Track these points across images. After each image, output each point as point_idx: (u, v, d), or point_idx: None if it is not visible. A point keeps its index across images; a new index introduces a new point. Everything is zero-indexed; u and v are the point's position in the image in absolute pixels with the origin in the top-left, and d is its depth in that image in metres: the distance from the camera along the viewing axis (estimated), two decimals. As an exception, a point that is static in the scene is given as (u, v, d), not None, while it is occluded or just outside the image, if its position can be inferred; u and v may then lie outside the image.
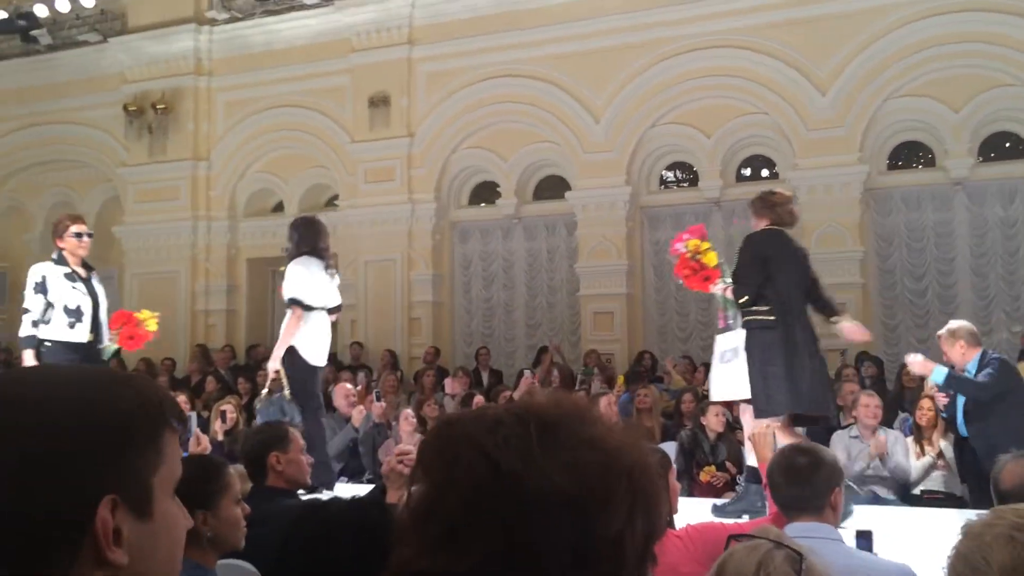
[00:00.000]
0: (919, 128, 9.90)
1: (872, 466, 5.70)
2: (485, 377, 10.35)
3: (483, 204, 11.91)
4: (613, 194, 10.52)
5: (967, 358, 5.28)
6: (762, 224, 4.97)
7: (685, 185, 11.24)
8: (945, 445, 5.90)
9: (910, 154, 10.46)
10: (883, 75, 9.56)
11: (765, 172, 10.77)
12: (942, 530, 4.26)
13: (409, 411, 7.17)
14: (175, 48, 12.43)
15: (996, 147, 9.97)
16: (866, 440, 5.82)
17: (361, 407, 7.02)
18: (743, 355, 4.64)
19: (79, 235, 5.79)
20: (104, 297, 5.93)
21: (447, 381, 8.96)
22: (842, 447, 5.76)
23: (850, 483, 5.32)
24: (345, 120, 11.75)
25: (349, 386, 7.57)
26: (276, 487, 2.87)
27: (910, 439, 5.98)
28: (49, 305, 5.63)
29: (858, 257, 9.62)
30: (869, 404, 5.87)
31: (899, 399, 7.47)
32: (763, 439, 3.09)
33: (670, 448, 6.56)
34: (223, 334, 12.08)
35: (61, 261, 5.76)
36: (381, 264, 11.47)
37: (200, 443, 3.93)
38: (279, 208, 12.55)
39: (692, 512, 4.61)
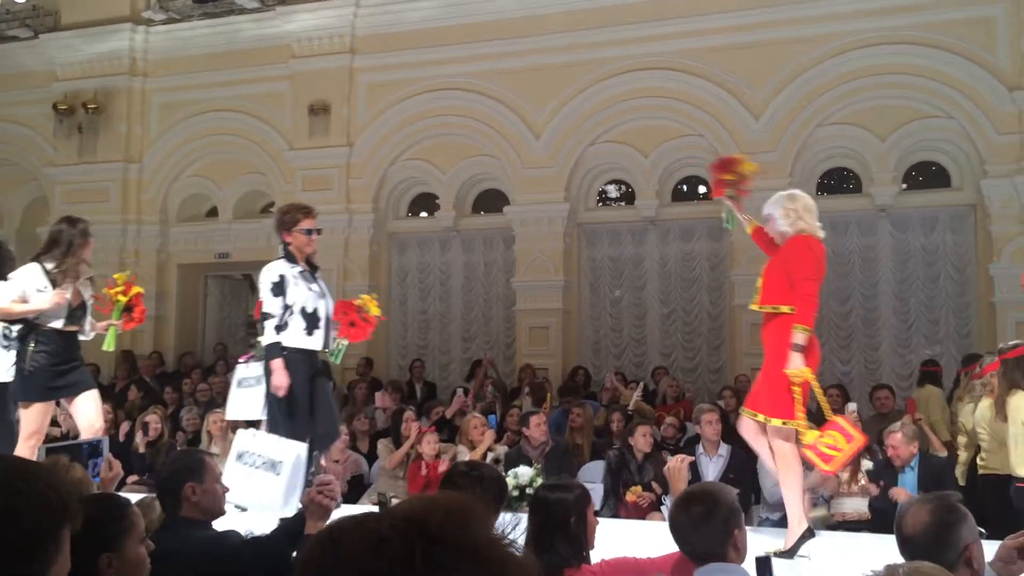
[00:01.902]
0: (847, 155, 10.19)
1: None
2: (419, 390, 10.33)
3: (423, 215, 11.89)
4: (551, 210, 10.60)
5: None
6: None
7: (622, 204, 11.39)
8: (868, 467, 6.05)
9: (837, 180, 10.77)
10: (815, 103, 9.82)
11: (703, 189, 10.97)
12: (856, 554, 4.39)
13: (341, 427, 7.10)
14: (109, 47, 12.15)
15: (919, 176, 10.33)
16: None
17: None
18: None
19: (310, 232, 5.16)
20: (331, 299, 5.38)
21: (377, 395, 8.90)
22: (767, 472, 5.87)
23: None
24: (284, 127, 11.62)
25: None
26: (191, 518, 2.82)
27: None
28: (286, 308, 5.03)
29: (787, 279, 9.85)
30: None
31: (822, 421, 7.64)
32: (678, 472, 3.15)
33: (597, 467, 6.63)
34: (151, 341, 11.82)
35: (291, 258, 5.12)
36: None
37: (112, 468, 3.82)
38: (213, 213, 12.34)
39: (617, 537, 4.68)
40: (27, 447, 5.02)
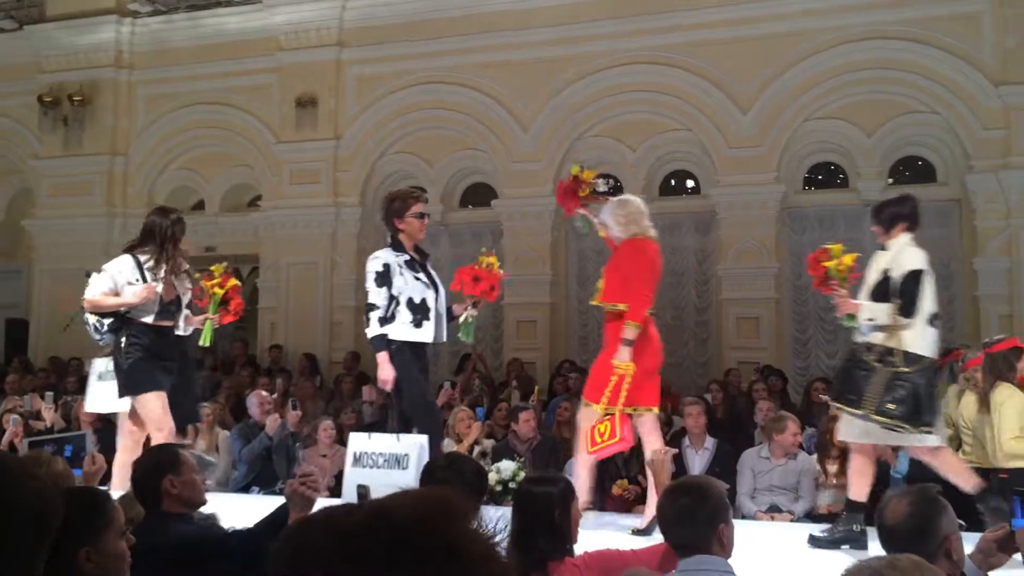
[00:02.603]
0: (834, 150, 10.23)
1: (776, 484, 5.86)
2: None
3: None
4: (539, 204, 10.60)
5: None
6: None
7: (610, 197, 11.36)
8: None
9: (825, 174, 10.81)
10: (802, 98, 9.85)
11: (691, 184, 10.99)
12: (839, 548, 4.42)
13: (329, 422, 7.11)
14: (95, 39, 12.06)
15: (905, 171, 10.38)
16: (776, 459, 5.97)
17: (276, 415, 6.93)
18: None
19: (422, 216, 4.90)
20: (443, 288, 5.09)
21: (364, 388, 8.88)
22: (749, 466, 5.91)
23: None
24: (271, 120, 11.57)
25: (264, 393, 7.46)
26: (172, 511, 2.82)
27: (814, 457, 6.15)
28: (392, 299, 4.79)
29: (773, 273, 9.90)
30: (796, 432, 5.99)
31: (807, 414, 7.69)
32: (661, 465, 3.16)
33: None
34: (137, 335, 11.75)
35: (398, 246, 4.88)
36: (303, 267, 11.33)
37: (95, 462, 3.80)
38: (199, 206, 12.29)
39: (603, 531, 4.69)
40: (161, 439, 4.85)
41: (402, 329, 4.83)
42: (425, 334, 4.88)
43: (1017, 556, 2.76)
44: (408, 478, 4.61)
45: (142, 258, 5.12)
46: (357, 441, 5.00)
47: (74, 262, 11.76)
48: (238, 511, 5.44)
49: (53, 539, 0.95)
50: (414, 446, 4.75)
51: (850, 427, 4.66)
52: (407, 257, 4.90)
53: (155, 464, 2.92)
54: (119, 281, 5.08)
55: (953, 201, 9.77)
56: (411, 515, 0.86)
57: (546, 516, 2.82)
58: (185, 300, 5.29)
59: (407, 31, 11.02)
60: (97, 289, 5.09)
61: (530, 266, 10.63)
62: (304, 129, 11.31)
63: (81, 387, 9.80)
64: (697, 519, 2.50)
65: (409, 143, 11.26)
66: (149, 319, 5.07)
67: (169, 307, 5.15)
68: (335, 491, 5.98)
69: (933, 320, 4.60)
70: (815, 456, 6.12)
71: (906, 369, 4.45)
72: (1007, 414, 5.10)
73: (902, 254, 4.66)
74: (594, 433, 4.85)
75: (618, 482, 6.15)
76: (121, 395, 5.10)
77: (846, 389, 4.62)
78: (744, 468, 6.00)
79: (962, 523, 2.66)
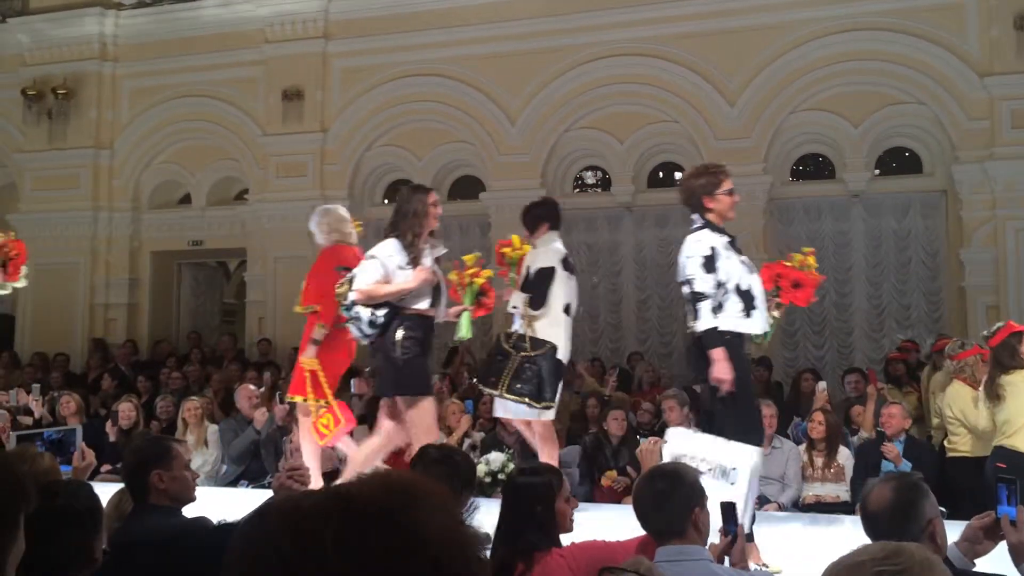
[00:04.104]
0: (821, 141, 10.25)
1: (763, 474, 5.88)
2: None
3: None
4: (527, 196, 10.43)
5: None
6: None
7: (598, 190, 11.40)
8: (844, 454, 6.10)
9: (812, 166, 10.84)
10: (788, 89, 9.87)
11: (679, 176, 10.99)
12: (824, 536, 4.45)
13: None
14: (79, 31, 11.97)
15: (892, 162, 10.42)
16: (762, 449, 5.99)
17: (263, 409, 6.92)
18: None
19: (731, 192, 4.40)
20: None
21: (353, 381, 8.85)
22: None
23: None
24: (257, 112, 11.51)
25: (252, 387, 7.44)
26: (159, 505, 2.81)
27: (802, 447, 6.18)
28: (719, 286, 4.27)
29: (760, 264, 9.90)
30: (766, 414, 6.04)
31: (795, 404, 7.73)
32: (650, 455, 3.18)
33: (573, 452, 6.66)
34: (124, 329, 11.71)
35: (713, 227, 4.37)
36: (292, 260, 11.24)
37: (85, 458, 3.78)
38: (186, 200, 12.23)
39: (592, 522, 4.70)
40: (391, 443, 4.68)
41: (732, 319, 4.28)
42: (754, 324, 4.35)
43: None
44: (736, 496, 3.85)
45: (405, 240, 4.71)
46: (678, 438, 4.29)
47: (60, 256, 11.72)
48: (226, 505, 5.44)
49: (13, 529, 0.93)
50: (746, 459, 4.09)
51: (496, 406, 5.27)
52: (727, 238, 4.39)
53: (144, 457, 2.90)
54: (390, 266, 4.67)
55: (939, 192, 9.82)
56: (370, 498, 0.85)
57: (532, 507, 2.83)
58: (445, 287, 4.91)
59: (393, 23, 10.97)
60: (369, 277, 4.66)
61: (518, 258, 10.61)
62: (290, 122, 11.26)
63: (67, 382, 9.79)
64: (673, 503, 2.52)
65: (396, 136, 11.23)
66: (424, 305, 4.69)
67: (438, 293, 4.80)
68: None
69: (567, 310, 5.12)
70: (803, 446, 6.15)
71: (533, 353, 4.96)
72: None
73: (540, 253, 5.14)
74: (319, 427, 5.19)
75: (607, 473, 6.17)
76: (393, 393, 4.78)
77: (489, 373, 5.13)
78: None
79: (943, 509, 2.67)
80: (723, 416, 4.31)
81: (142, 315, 12.04)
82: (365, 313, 4.66)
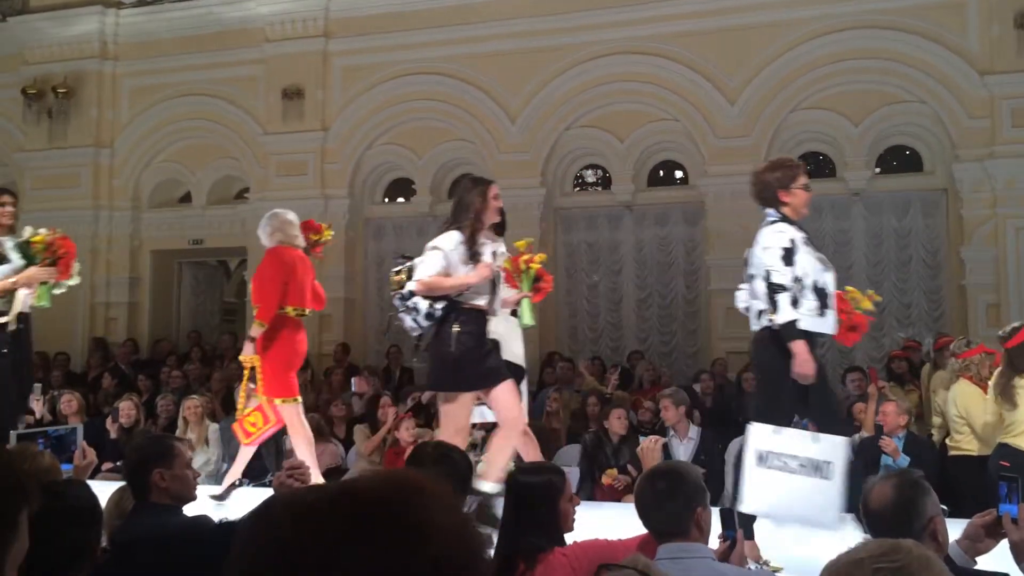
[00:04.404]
0: (821, 139, 10.25)
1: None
2: (396, 375, 10.30)
3: (399, 200, 11.84)
4: (528, 195, 10.58)
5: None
6: None
7: (598, 188, 11.40)
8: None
9: (813, 164, 10.82)
10: (789, 87, 9.86)
11: (679, 174, 11.00)
12: (825, 534, 4.44)
13: (314, 416, 7.08)
14: (79, 30, 11.96)
15: (893, 160, 10.42)
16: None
17: (265, 408, 6.90)
18: None
19: (807, 187, 4.35)
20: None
21: (354, 380, 8.88)
22: (735, 453, 5.92)
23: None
24: (257, 111, 11.51)
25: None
26: (160, 503, 2.81)
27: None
28: (796, 281, 4.11)
29: (762, 263, 9.90)
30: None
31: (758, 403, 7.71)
32: (651, 453, 3.18)
33: (573, 451, 6.67)
34: (124, 328, 11.71)
35: (792, 222, 4.25)
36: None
37: (87, 456, 3.77)
38: (186, 199, 12.22)
39: (593, 520, 4.69)
40: (459, 442, 4.43)
41: (807, 317, 4.12)
42: (828, 324, 4.20)
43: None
44: (832, 490, 3.84)
45: (465, 234, 4.62)
46: (761, 436, 4.10)
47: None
48: (228, 504, 5.44)
49: (12, 528, 0.93)
50: (837, 451, 3.96)
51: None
52: (804, 234, 4.26)
53: (146, 455, 2.90)
54: (452, 259, 4.56)
55: (940, 190, 9.82)
56: (375, 492, 0.85)
57: (535, 506, 2.82)
58: (500, 280, 4.80)
59: (393, 22, 10.97)
60: (431, 269, 4.55)
61: (519, 257, 10.61)
62: (291, 120, 11.25)
63: (67, 381, 9.78)
64: (675, 502, 2.52)
65: (396, 134, 11.22)
66: (482, 301, 4.60)
67: (494, 288, 4.70)
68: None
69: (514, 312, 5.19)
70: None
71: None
72: None
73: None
74: (245, 425, 5.41)
75: (608, 471, 6.17)
76: (443, 388, 4.69)
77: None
78: (731, 457, 6.02)
79: (944, 507, 2.67)
80: (806, 410, 4.19)
81: (142, 314, 12.04)
82: (423, 305, 4.55)
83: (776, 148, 10.06)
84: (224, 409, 8.17)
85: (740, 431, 6.75)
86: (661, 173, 11.11)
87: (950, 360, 6.34)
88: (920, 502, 2.49)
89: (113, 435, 7.22)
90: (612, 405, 6.77)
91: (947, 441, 6.14)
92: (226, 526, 2.68)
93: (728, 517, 2.88)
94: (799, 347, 4.02)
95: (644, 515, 2.62)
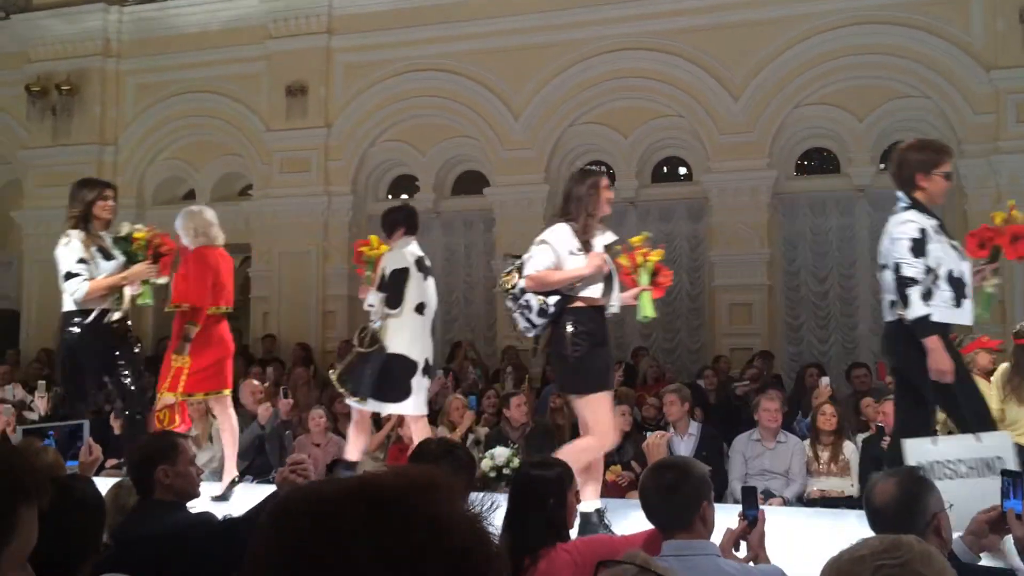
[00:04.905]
0: (825, 135, 10.23)
1: (768, 468, 5.89)
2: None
3: (403, 197, 11.83)
4: (530, 191, 10.58)
5: None
6: None
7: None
8: (849, 448, 6.08)
9: (817, 160, 10.81)
10: (793, 83, 9.84)
11: (683, 170, 10.98)
12: (828, 531, 4.44)
13: (320, 411, 7.10)
14: (83, 28, 11.97)
15: (897, 156, 10.37)
16: (766, 443, 6.00)
17: (268, 404, 6.92)
18: None
19: (948, 176, 4.22)
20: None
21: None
22: (740, 451, 5.93)
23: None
24: (261, 108, 11.51)
25: (256, 382, 7.45)
26: (164, 500, 2.81)
27: (806, 442, 6.17)
28: (928, 272, 3.98)
29: (765, 259, 9.90)
30: (770, 408, 6.05)
31: (798, 400, 7.71)
32: (656, 448, 3.17)
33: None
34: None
35: (921, 208, 4.09)
36: (296, 256, 11.29)
37: (92, 453, 3.78)
38: (190, 196, 12.22)
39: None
40: (596, 449, 4.35)
41: (941, 309, 3.97)
42: (963, 315, 4.05)
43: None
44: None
45: (576, 225, 4.45)
46: (919, 450, 3.95)
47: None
48: (231, 500, 5.45)
49: (9, 523, 0.93)
50: (1005, 444, 3.87)
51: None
52: (936, 221, 4.08)
53: (150, 452, 2.91)
54: (561, 252, 4.38)
55: (944, 186, 9.78)
56: (396, 487, 0.86)
57: (541, 501, 2.82)
58: (615, 275, 4.61)
59: (396, 18, 10.96)
60: (540, 263, 4.36)
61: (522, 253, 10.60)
62: (294, 117, 11.25)
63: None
64: (681, 494, 2.52)
65: (400, 131, 11.22)
66: (596, 293, 4.41)
67: (609, 282, 4.51)
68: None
69: (420, 310, 5.38)
70: (807, 441, 6.14)
71: (365, 350, 5.33)
72: None
73: (395, 255, 5.41)
74: (156, 420, 5.44)
75: (611, 468, 6.16)
76: (573, 391, 4.48)
77: (338, 363, 5.74)
78: (735, 453, 6.02)
79: (948, 503, 2.66)
80: (950, 407, 4.06)
81: (146, 311, 12.03)
82: (535, 301, 4.38)
83: (780, 144, 10.06)
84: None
85: (745, 427, 6.77)
86: (665, 169, 11.10)
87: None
88: (924, 498, 2.48)
89: (117, 431, 7.22)
90: (616, 402, 6.74)
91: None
92: (229, 523, 2.68)
93: (750, 496, 2.88)
94: (933, 343, 3.89)
95: (648, 507, 2.62)
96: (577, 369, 4.34)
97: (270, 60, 11.41)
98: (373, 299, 5.41)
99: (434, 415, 7.53)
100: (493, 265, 10.80)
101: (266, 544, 0.85)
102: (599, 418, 4.35)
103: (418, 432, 5.44)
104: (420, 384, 5.39)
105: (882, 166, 10.10)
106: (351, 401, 5.51)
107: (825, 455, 5.97)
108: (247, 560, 0.86)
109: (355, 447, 5.63)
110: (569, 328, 4.32)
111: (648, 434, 4.32)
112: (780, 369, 9.46)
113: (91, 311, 5.20)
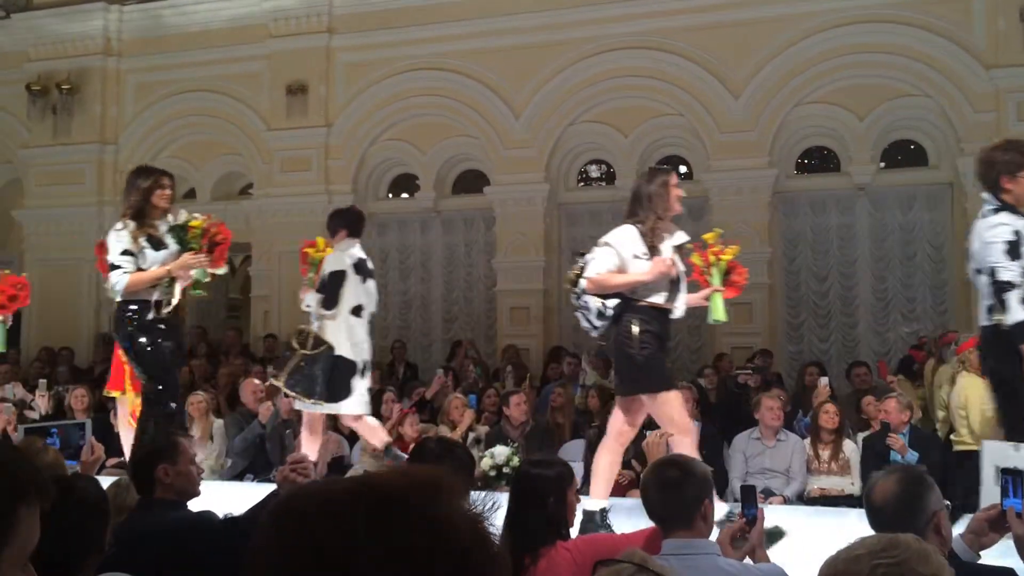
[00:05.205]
0: (826, 134, 10.22)
1: (768, 467, 5.89)
2: (400, 371, 10.32)
3: (403, 196, 11.85)
4: (531, 190, 10.58)
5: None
6: None
7: (603, 184, 11.38)
8: (850, 447, 6.09)
9: (817, 159, 10.81)
10: (793, 82, 9.83)
11: (684, 169, 10.97)
12: (828, 529, 4.44)
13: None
14: (83, 27, 11.97)
15: (897, 154, 10.39)
16: (767, 441, 6.00)
17: (268, 403, 6.93)
18: None
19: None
20: None
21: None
22: (740, 449, 5.93)
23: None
24: (261, 107, 11.51)
25: (257, 381, 7.45)
26: (165, 499, 2.81)
27: (806, 441, 6.17)
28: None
29: (765, 258, 9.89)
30: (772, 406, 6.05)
31: (799, 399, 7.71)
32: (656, 447, 3.17)
33: (578, 446, 6.66)
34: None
35: (1014, 211, 3.97)
36: (296, 255, 11.19)
37: (95, 452, 3.78)
38: (190, 195, 12.23)
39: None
40: (687, 445, 4.14)
41: None
42: None
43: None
44: None
45: (642, 227, 4.35)
46: (999, 453, 3.87)
47: (65, 252, 11.74)
48: (232, 499, 5.46)
49: (8, 523, 0.93)
50: None
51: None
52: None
53: (151, 451, 2.91)
54: (624, 255, 4.31)
55: (945, 184, 9.79)
56: (397, 487, 0.86)
57: (541, 500, 2.82)
58: (683, 279, 4.48)
59: (397, 17, 10.96)
60: (602, 265, 4.32)
61: (522, 252, 10.62)
62: (294, 116, 11.25)
63: (73, 377, 9.81)
64: (683, 491, 2.52)
65: (400, 130, 11.22)
66: (660, 299, 4.30)
67: (676, 286, 4.40)
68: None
69: (357, 312, 5.45)
70: (807, 439, 6.14)
71: (311, 352, 5.36)
72: None
73: (335, 257, 5.50)
74: (134, 419, 5.30)
75: (611, 467, 6.15)
76: (635, 392, 4.41)
77: (278, 367, 5.78)
78: (736, 452, 6.02)
79: (948, 502, 2.66)
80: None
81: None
82: (595, 303, 4.30)
83: (780, 143, 10.05)
84: (229, 405, 8.20)
85: (745, 425, 6.77)
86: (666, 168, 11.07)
87: (953, 356, 6.35)
88: (924, 497, 2.49)
89: (117, 430, 7.22)
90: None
91: (952, 436, 6.13)
92: (230, 522, 2.68)
93: (750, 494, 2.88)
94: None
95: (650, 504, 2.62)
96: (646, 368, 4.26)
97: (271, 59, 11.41)
98: (311, 300, 5.52)
99: (434, 414, 7.54)
100: (493, 264, 10.81)
101: (267, 543, 0.86)
102: (676, 413, 4.25)
103: (363, 431, 5.56)
104: (359, 384, 5.48)
105: (882, 164, 10.11)
106: (303, 404, 5.51)
107: (825, 453, 5.98)
108: (248, 559, 0.87)
109: (311, 451, 5.57)
110: (636, 328, 4.24)
111: (648, 433, 4.32)
112: (780, 368, 9.46)
113: (145, 302, 5.01)
